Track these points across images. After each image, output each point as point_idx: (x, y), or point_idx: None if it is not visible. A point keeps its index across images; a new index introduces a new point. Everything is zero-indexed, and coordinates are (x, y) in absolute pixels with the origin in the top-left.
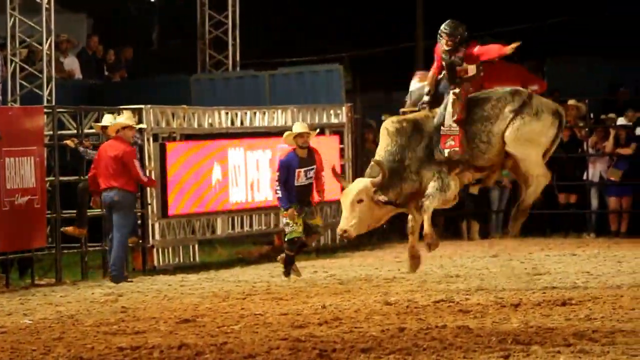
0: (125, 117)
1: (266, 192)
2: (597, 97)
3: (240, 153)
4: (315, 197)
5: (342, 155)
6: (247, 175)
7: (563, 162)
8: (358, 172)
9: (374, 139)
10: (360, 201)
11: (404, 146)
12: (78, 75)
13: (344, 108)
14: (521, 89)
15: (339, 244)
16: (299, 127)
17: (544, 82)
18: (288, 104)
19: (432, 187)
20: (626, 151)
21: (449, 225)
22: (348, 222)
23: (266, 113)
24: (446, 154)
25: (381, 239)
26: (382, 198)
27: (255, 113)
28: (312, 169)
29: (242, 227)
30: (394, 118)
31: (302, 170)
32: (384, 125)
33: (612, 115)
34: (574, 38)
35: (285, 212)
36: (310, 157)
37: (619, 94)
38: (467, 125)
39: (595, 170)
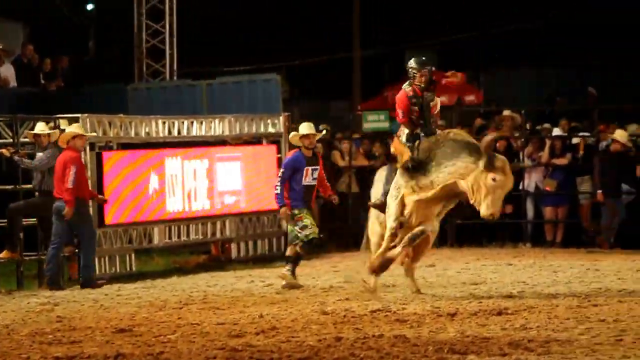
0: (74, 127)
1: (203, 202)
2: (533, 107)
3: (177, 162)
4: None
5: (279, 165)
6: (184, 185)
7: None
8: None
9: None
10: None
11: None
12: (13, 83)
13: (281, 117)
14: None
15: (275, 253)
16: (305, 129)
17: (480, 92)
18: (225, 113)
19: None
20: (561, 161)
21: None
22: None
23: (203, 122)
24: None
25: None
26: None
27: (192, 122)
28: (317, 169)
29: (179, 236)
30: None
31: (310, 169)
32: None
33: (547, 125)
34: (509, 49)
35: (298, 216)
36: (315, 158)
37: (556, 104)
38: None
39: (530, 181)
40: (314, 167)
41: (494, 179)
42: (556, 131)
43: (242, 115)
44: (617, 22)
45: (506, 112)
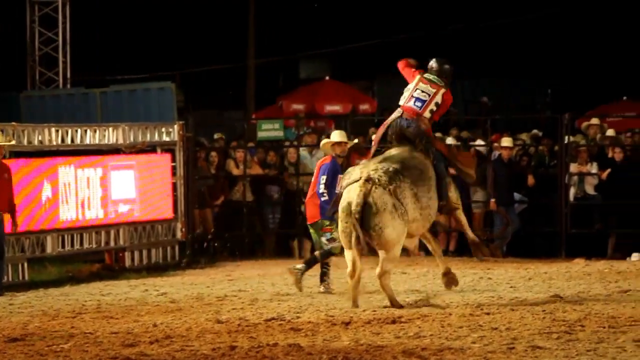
0: None
1: (97, 210)
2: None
3: (71, 171)
4: None
5: (173, 174)
6: (77, 193)
7: None
8: (190, 190)
9: (205, 157)
10: None
11: None
12: None
13: (175, 126)
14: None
15: (170, 262)
16: (337, 136)
17: (374, 101)
18: (120, 121)
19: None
20: (454, 171)
21: (280, 243)
22: None
23: (97, 131)
24: None
25: (212, 258)
26: None
27: (86, 130)
28: None
29: (72, 245)
30: None
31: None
32: None
33: (439, 134)
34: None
35: (327, 227)
36: (342, 166)
37: (449, 113)
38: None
39: None
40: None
41: None
42: (448, 141)
43: (136, 123)
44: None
45: None
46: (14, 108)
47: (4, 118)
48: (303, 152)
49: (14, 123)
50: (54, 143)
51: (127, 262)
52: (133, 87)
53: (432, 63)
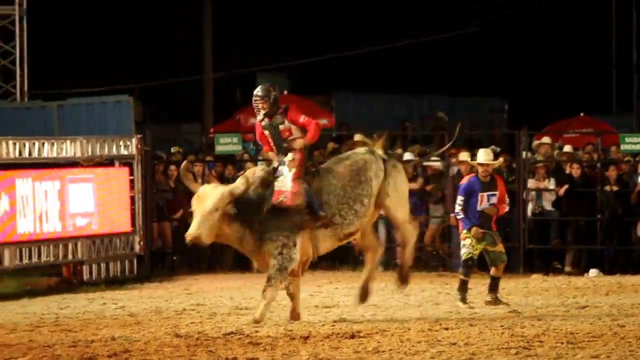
0: None
1: (55, 223)
2: (385, 131)
3: (28, 184)
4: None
5: (132, 187)
6: (35, 206)
7: None
8: (148, 204)
9: (163, 171)
10: (216, 210)
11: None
12: None
13: (133, 139)
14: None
15: (128, 275)
16: (482, 157)
17: (332, 116)
18: (77, 135)
19: (272, 266)
20: (412, 186)
21: (239, 257)
22: (199, 228)
23: (55, 144)
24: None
25: (171, 271)
26: (233, 210)
27: (43, 143)
28: (494, 194)
29: (30, 258)
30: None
31: (485, 194)
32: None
33: (399, 150)
34: (361, 73)
35: (464, 235)
36: (492, 183)
37: (406, 129)
38: (330, 195)
39: None
40: (490, 193)
41: None
42: (407, 155)
43: (94, 137)
44: (464, 46)
45: (357, 137)
46: None
47: None
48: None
49: None
50: (12, 156)
51: (85, 276)
52: (91, 101)
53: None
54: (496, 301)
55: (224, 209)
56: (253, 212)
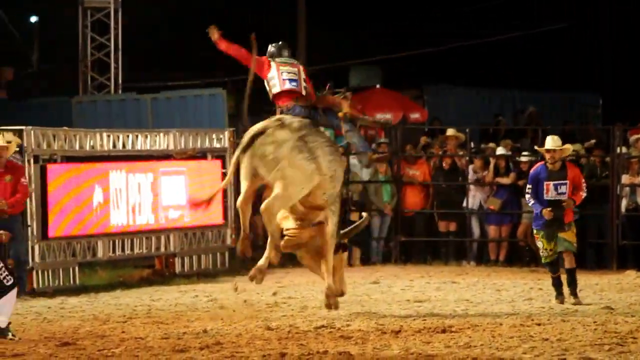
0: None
1: (147, 216)
2: (477, 126)
3: (122, 176)
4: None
5: (223, 180)
6: (128, 199)
7: (443, 190)
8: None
9: None
10: None
11: None
12: None
13: (226, 132)
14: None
15: (220, 268)
16: (548, 143)
17: (424, 110)
18: (170, 127)
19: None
20: (505, 180)
21: None
22: None
23: (148, 136)
24: None
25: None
26: None
27: (137, 136)
28: (563, 183)
29: (123, 250)
30: None
31: (551, 183)
32: None
33: (492, 144)
34: (454, 67)
35: (535, 234)
36: (561, 172)
37: (499, 123)
38: None
39: (475, 199)
40: (558, 182)
41: None
42: (500, 150)
43: (187, 129)
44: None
45: (450, 132)
46: (65, 113)
47: (55, 123)
48: (353, 160)
49: (65, 128)
50: (105, 148)
51: (178, 268)
52: (184, 94)
53: (272, 49)
54: (577, 300)
55: None
56: None
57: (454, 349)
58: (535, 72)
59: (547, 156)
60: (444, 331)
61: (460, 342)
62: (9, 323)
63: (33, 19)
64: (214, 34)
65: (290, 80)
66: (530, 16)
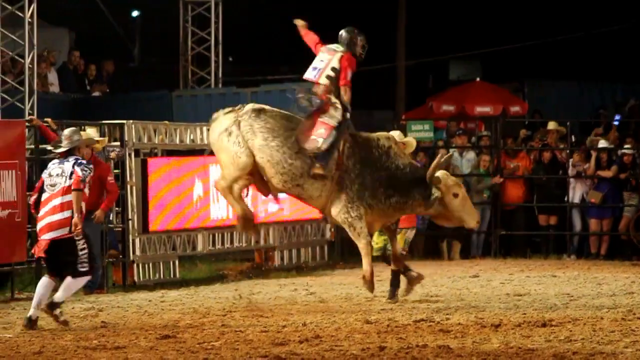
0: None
1: None
2: (578, 119)
3: None
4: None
5: None
6: None
7: (544, 183)
8: None
9: None
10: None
11: None
12: (55, 89)
13: None
14: None
15: (319, 261)
16: None
17: (525, 103)
18: None
19: None
20: (607, 174)
21: (430, 245)
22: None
23: None
24: None
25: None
26: None
27: None
28: None
29: (222, 243)
30: None
31: None
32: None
33: (598, 137)
34: (554, 60)
35: None
36: None
37: (600, 116)
38: None
39: (576, 192)
40: None
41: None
42: (602, 143)
43: None
44: None
45: (551, 125)
46: (166, 107)
47: (156, 117)
48: (454, 153)
49: (166, 122)
50: (205, 142)
51: (277, 261)
52: (284, 87)
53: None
54: None
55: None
56: None
57: (554, 343)
58: (637, 65)
59: None
60: (544, 325)
61: (560, 336)
62: (62, 302)
63: (135, 13)
64: (300, 25)
65: (314, 68)
66: (633, 9)
